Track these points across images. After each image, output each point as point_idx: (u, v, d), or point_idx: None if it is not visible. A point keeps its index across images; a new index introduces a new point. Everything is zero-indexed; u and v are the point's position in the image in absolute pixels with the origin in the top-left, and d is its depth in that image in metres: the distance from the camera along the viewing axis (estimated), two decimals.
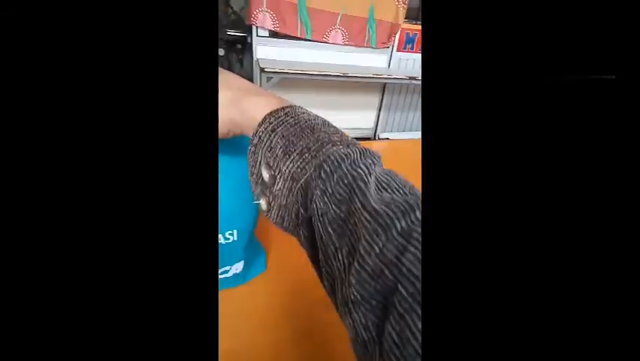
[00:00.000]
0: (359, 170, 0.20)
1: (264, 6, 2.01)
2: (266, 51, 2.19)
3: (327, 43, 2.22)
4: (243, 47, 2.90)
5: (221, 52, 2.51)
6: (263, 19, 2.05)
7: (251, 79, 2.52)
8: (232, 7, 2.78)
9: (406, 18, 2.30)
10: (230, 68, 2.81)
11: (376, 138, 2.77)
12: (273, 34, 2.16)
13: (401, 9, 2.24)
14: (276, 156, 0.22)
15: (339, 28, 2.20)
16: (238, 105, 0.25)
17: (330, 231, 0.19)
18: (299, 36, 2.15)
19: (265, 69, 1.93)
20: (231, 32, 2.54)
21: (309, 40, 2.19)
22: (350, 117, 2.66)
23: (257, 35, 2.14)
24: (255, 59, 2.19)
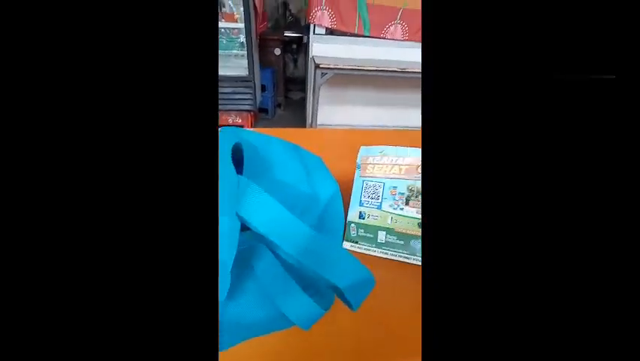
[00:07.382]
0: None
1: (323, 4, 2.01)
2: (322, 48, 2.18)
3: (384, 39, 2.15)
4: (298, 47, 2.97)
5: (277, 51, 2.58)
6: (321, 17, 2.06)
7: (305, 77, 2.55)
8: (290, 10, 2.87)
9: None
10: (284, 67, 2.89)
11: None
12: (330, 32, 2.16)
13: None
14: None
15: (399, 23, 2.12)
16: None
17: None
18: (356, 33, 2.12)
19: (320, 65, 1.92)
20: (288, 34, 2.62)
21: (366, 37, 2.14)
22: (404, 115, 2.55)
23: (314, 33, 2.15)
24: (310, 56, 2.20)
